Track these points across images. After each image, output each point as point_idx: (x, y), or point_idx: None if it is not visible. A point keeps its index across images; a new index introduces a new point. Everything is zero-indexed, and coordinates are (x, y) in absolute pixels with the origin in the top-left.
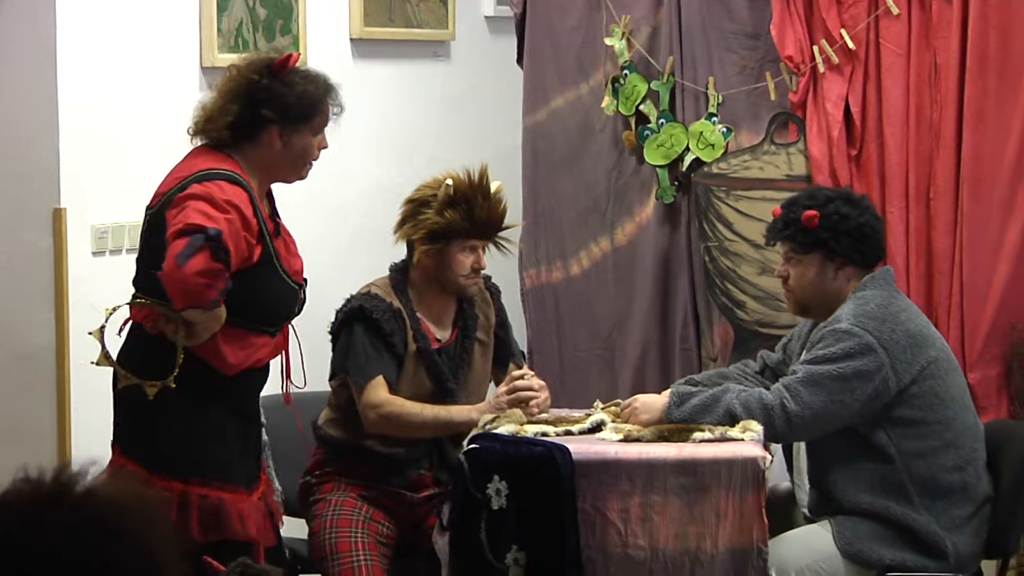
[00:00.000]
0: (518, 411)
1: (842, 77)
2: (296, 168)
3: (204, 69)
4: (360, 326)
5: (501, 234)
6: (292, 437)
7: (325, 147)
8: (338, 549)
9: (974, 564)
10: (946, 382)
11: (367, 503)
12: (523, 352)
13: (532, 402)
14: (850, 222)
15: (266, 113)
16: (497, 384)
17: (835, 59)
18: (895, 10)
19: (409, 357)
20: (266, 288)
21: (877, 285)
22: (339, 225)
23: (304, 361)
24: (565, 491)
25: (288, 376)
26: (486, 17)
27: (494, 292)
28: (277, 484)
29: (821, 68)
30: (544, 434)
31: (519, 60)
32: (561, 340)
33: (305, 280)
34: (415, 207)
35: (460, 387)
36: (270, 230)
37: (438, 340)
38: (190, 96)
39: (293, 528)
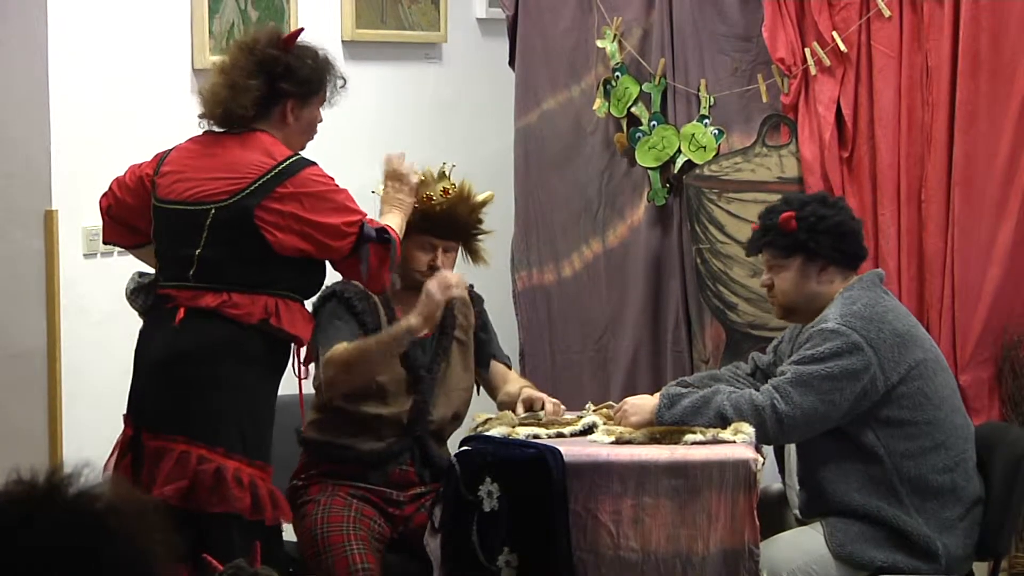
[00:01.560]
0: (509, 413)
1: (834, 79)
2: (303, 141)
3: (196, 71)
4: (332, 303)
5: (479, 244)
6: (287, 437)
7: (321, 121)
8: (331, 542)
9: (966, 566)
10: (935, 383)
11: (356, 500)
12: (509, 357)
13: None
14: (827, 222)
15: (285, 87)
16: (482, 385)
17: (827, 61)
18: (886, 12)
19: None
20: (316, 264)
21: (865, 286)
22: None
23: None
24: (557, 493)
25: (299, 356)
26: (478, 19)
27: (475, 299)
28: None
29: (813, 70)
30: (536, 436)
31: (511, 62)
32: (553, 342)
33: None
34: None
35: (437, 382)
36: None
37: None
38: (182, 98)
39: (289, 530)
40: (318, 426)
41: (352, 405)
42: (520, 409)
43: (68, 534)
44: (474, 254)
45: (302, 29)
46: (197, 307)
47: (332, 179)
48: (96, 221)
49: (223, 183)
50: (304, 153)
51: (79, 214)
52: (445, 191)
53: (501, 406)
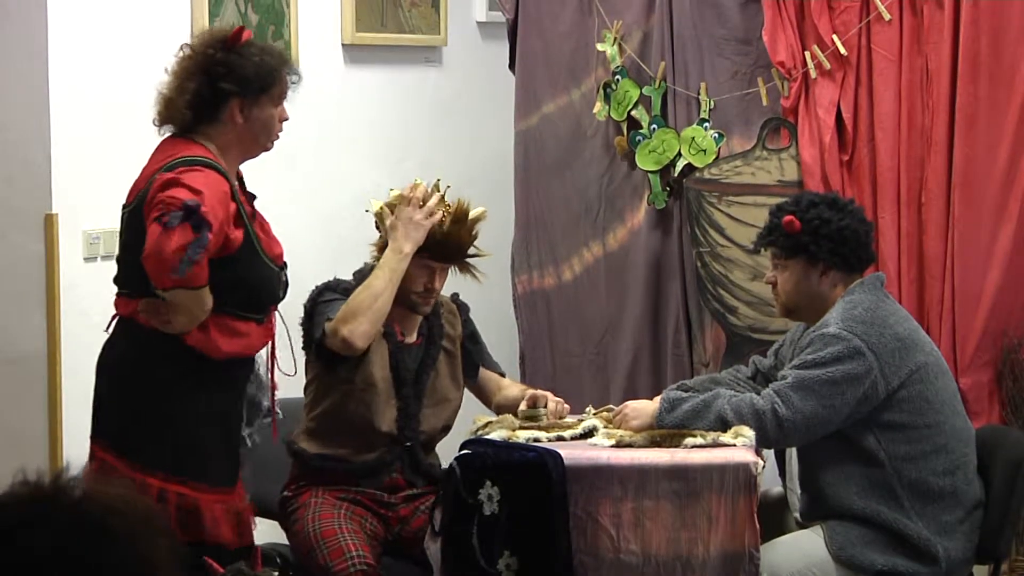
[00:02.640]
0: (509, 416)
1: (834, 82)
2: (261, 142)
3: None
4: (329, 292)
5: (472, 260)
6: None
7: (286, 119)
8: (324, 536)
9: (966, 569)
10: (936, 386)
11: (346, 503)
12: (499, 366)
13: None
14: (830, 226)
15: (225, 86)
16: (474, 395)
17: (827, 64)
18: (887, 16)
19: (376, 341)
20: (251, 272)
21: (866, 290)
22: (331, 230)
23: (293, 347)
24: (557, 497)
25: (274, 359)
26: (478, 22)
27: (461, 307)
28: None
29: (813, 74)
30: (536, 440)
31: (511, 65)
32: (553, 345)
33: (285, 264)
34: (380, 217)
35: (425, 392)
36: (248, 213)
37: (402, 334)
38: None
39: (283, 534)
40: (309, 435)
41: (342, 414)
42: (523, 405)
43: (72, 536)
44: (467, 272)
45: (247, 31)
46: (120, 315)
47: (190, 179)
48: (96, 224)
49: (135, 187)
50: (305, 156)
51: (79, 217)
52: (449, 214)
53: (499, 410)
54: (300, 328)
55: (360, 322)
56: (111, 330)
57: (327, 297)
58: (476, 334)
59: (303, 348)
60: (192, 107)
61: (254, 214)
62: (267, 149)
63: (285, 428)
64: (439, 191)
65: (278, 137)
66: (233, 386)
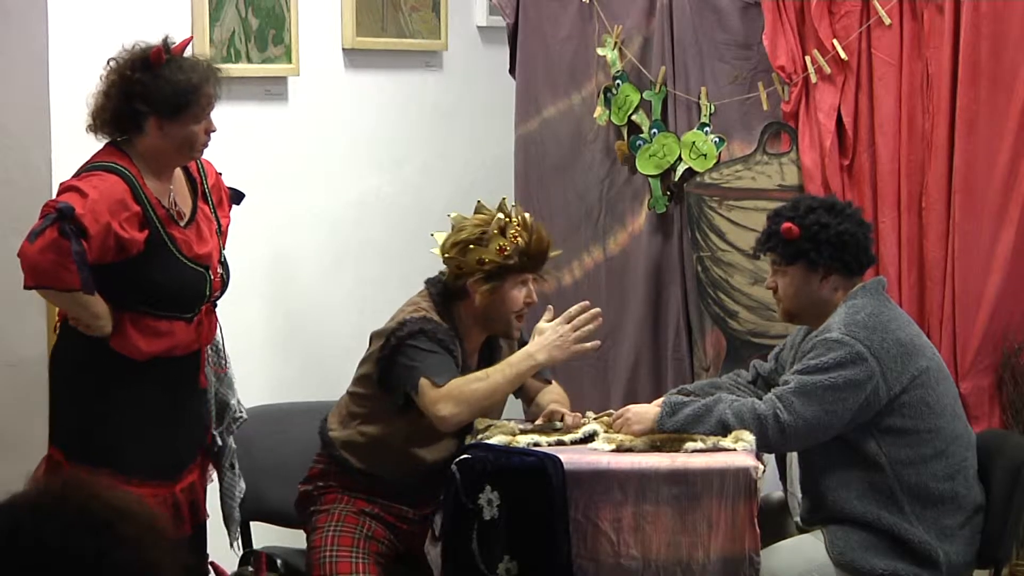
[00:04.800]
0: (510, 422)
1: (834, 87)
2: (182, 155)
3: None
4: (424, 340)
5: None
6: (292, 444)
7: (213, 130)
8: (339, 570)
9: (967, 573)
10: (937, 391)
11: (369, 519)
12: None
13: (584, 328)
14: (829, 231)
15: (141, 107)
16: (520, 398)
17: (827, 69)
18: (887, 20)
19: None
20: (161, 271)
21: (868, 294)
22: (331, 234)
23: (224, 346)
24: (557, 501)
25: (203, 363)
26: (478, 27)
27: None
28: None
29: (813, 78)
30: (536, 444)
31: (511, 70)
32: None
33: (224, 263)
34: (464, 247)
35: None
36: (162, 216)
37: (471, 365)
38: None
39: (286, 538)
40: (354, 450)
41: (402, 446)
42: (540, 420)
43: (78, 535)
44: (542, 278)
45: (181, 44)
46: (61, 318)
47: (82, 184)
48: None
49: None
50: (305, 160)
51: None
52: (522, 226)
53: (528, 416)
54: (379, 353)
55: (463, 412)
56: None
57: (423, 345)
58: (525, 342)
59: (377, 378)
60: (113, 123)
61: (193, 216)
62: (194, 159)
63: (243, 432)
64: (507, 207)
65: (206, 146)
66: (167, 384)
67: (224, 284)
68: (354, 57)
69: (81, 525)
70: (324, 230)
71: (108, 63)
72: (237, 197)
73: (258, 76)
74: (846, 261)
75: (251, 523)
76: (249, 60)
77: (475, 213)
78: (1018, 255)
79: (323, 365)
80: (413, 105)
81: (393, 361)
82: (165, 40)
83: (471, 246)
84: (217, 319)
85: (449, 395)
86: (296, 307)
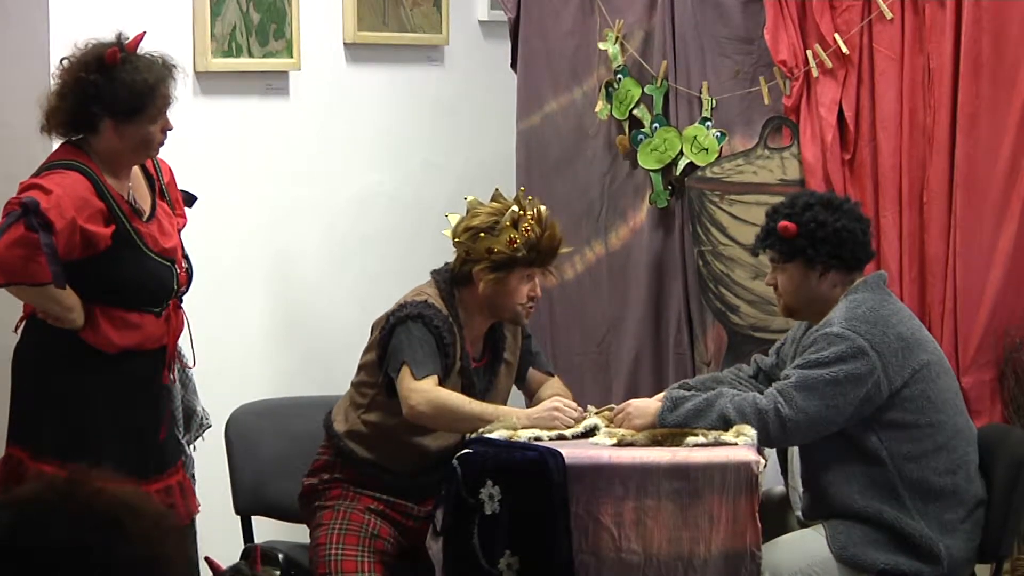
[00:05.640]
0: (512, 417)
1: (835, 81)
2: (138, 154)
3: (198, 74)
4: (419, 326)
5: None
6: (292, 440)
7: (170, 129)
8: (344, 568)
9: (968, 568)
10: (938, 386)
11: (374, 516)
12: (551, 365)
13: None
14: (827, 228)
15: (96, 109)
16: (522, 391)
17: (828, 63)
18: (888, 15)
19: (453, 374)
20: (129, 266)
21: (869, 289)
22: (333, 228)
23: (193, 340)
24: (558, 496)
25: (171, 359)
26: (480, 21)
27: None
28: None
29: (815, 72)
30: (537, 439)
31: (513, 64)
32: (555, 344)
33: (187, 258)
34: (475, 234)
35: None
36: (126, 211)
37: (474, 360)
38: (184, 101)
39: (288, 532)
40: (360, 439)
41: (404, 434)
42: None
43: (84, 528)
44: (549, 273)
45: (133, 40)
46: (25, 315)
47: (43, 181)
48: None
49: None
50: (306, 155)
51: None
52: (536, 220)
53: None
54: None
55: (429, 415)
56: (19, 331)
57: (417, 332)
58: (531, 337)
59: (378, 361)
60: (68, 124)
61: (152, 212)
62: (151, 158)
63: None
64: (523, 200)
65: (162, 145)
66: (135, 378)
67: (189, 278)
68: (355, 51)
69: (88, 520)
70: (325, 225)
71: (61, 62)
72: (189, 200)
73: (259, 71)
74: (844, 258)
75: (252, 517)
76: (250, 55)
77: (491, 200)
78: (1019, 250)
79: (324, 359)
80: (414, 100)
81: (388, 341)
82: (119, 38)
83: (482, 234)
84: (184, 314)
85: (428, 393)
86: (297, 301)
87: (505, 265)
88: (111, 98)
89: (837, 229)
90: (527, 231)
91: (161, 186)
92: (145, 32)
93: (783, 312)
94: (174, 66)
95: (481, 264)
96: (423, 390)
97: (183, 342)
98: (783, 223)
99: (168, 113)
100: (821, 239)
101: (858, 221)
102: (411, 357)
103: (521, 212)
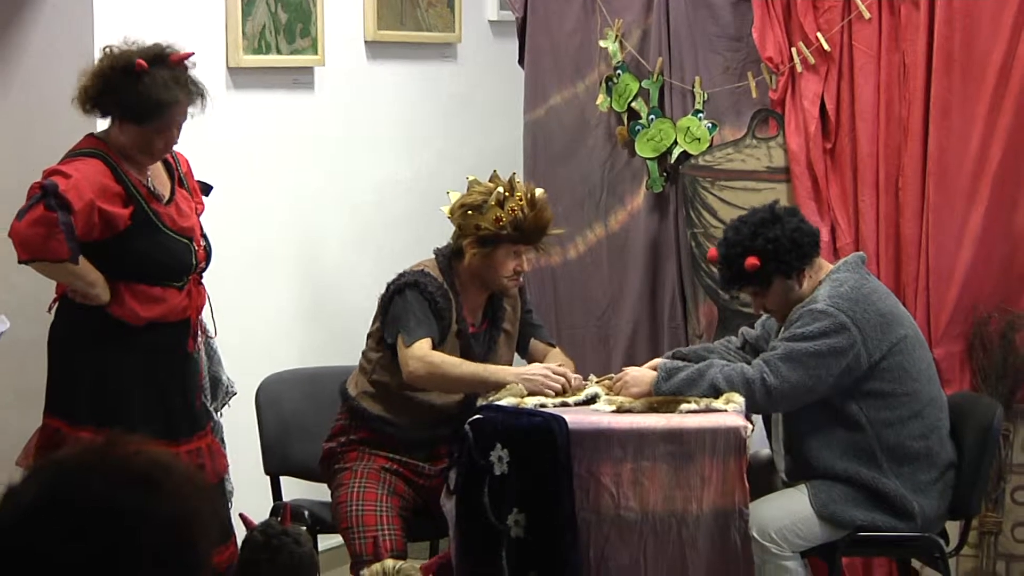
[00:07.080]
0: (519, 385)
1: (818, 76)
2: (143, 154)
3: (230, 70)
4: (414, 293)
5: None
6: (317, 406)
7: (174, 143)
8: (365, 522)
9: (939, 524)
10: (914, 357)
11: (390, 475)
12: (551, 337)
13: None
14: (781, 241)
15: (109, 103)
16: (524, 358)
17: (812, 60)
18: (867, 14)
19: (450, 336)
20: (150, 244)
21: (850, 268)
22: (354, 214)
23: (213, 311)
24: (562, 458)
25: (195, 330)
26: (490, 21)
27: (521, 288)
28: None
29: (799, 68)
30: (543, 406)
31: (520, 61)
32: (559, 318)
33: (205, 237)
34: (465, 211)
35: None
36: (144, 194)
37: (473, 326)
38: (217, 95)
39: (312, 491)
40: (371, 398)
41: (408, 392)
42: (541, 368)
43: (119, 487)
44: (540, 250)
45: (144, 61)
46: (57, 296)
47: (63, 166)
48: None
49: None
50: (330, 145)
51: None
52: (526, 200)
53: None
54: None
55: (425, 378)
56: (53, 312)
57: (412, 298)
58: (532, 311)
59: (378, 323)
60: (91, 102)
61: (172, 195)
62: (153, 162)
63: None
64: (516, 182)
65: (164, 154)
66: (161, 348)
67: (208, 255)
68: (375, 49)
69: (124, 480)
70: (347, 210)
71: (104, 49)
72: (206, 189)
73: (287, 67)
74: (807, 254)
75: (280, 477)
76: (278, 52)
77: (489, 181)
78: (987, 232)
79: (347, 333)
80: (429, 93)
81: (387, 309)
82: (160, 50)
83: (471, 211)
84: (205, 289)
85: (424, 358)
86: (322, 281)
87: (490, 240)
88: (124, 100)
89: (789, 234)
90: (513, 210)
91: (180, 175)
92: (193, 53)
93: (780, 322)
94: (199, 92)
95: (468, 238)
96: (420, 355)
97: (205, 315)
98: (748, 260)
99: (176, 129)
100: (784, 251)
101: (794, 215)
102: (406, 323)
103: (507, 193)
